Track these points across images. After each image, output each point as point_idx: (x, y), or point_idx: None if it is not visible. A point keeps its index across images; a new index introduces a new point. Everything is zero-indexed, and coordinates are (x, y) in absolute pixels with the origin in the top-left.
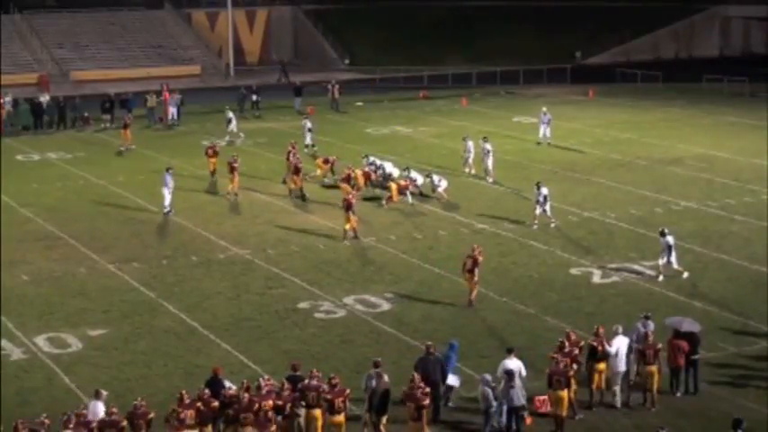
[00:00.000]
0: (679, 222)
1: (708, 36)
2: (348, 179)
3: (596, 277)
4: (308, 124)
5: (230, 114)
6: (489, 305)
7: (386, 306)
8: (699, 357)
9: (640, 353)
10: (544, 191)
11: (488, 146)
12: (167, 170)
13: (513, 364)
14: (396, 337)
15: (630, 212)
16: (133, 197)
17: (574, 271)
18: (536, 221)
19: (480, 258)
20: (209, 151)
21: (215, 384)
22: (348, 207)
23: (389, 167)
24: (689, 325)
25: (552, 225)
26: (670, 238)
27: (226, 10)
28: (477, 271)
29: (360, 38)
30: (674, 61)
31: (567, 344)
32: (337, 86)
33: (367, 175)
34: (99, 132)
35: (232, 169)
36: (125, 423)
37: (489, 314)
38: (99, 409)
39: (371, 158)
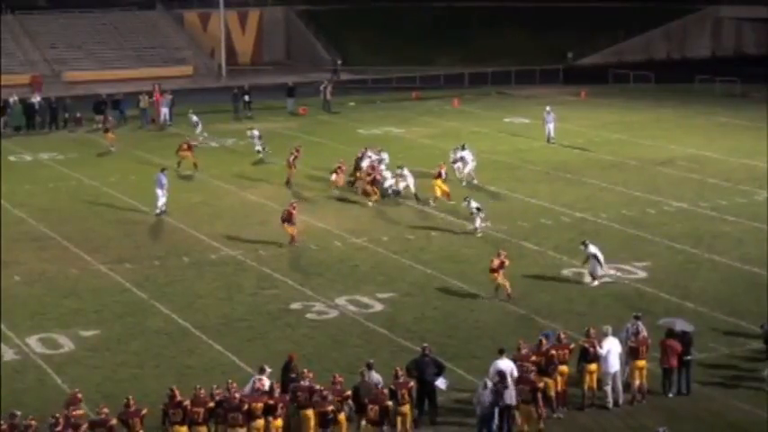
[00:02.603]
0: (671, 223)
1: (700, 37)
2: (374, 182)
3: (588, 278)
4: (256, 132)
5: (195, 118)
6: (481, 306)
7: (378, 307)
8: (691, 358)
9: (632, 349)
10: (473, 204)
11: (465, 153)
12: (162, 171)
13: (505, 364)
14: (388, 338)
15: (622, 213)
16: (125, 198)
17: (565, 272)
18: (479, 231)
19: (507, 262)
20: (184, 146)
21: (289, 369)
22: (288, 218)
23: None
24: (682, 324)
25: (478, 234)
26: (592, 248)
27: (218, 11)
28: (502, 272)
29: (352, 38)
30: (666, 62)
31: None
32: (329, 87)
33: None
34: (91, 133)
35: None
36: (114, 422)
37: (481, 315)
38: (265, 383)
39: (369, 152)
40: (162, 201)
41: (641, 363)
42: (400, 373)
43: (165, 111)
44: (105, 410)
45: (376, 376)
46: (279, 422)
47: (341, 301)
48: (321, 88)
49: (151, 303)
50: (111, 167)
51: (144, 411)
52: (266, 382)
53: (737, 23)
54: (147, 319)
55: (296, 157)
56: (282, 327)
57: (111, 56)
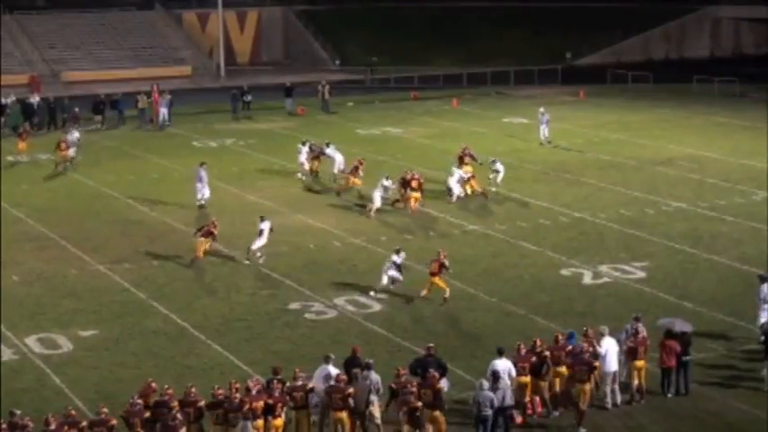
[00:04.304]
0: (669, 223)
1: (698, 37)
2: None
3: (587, 278)
4: (76, 135)
5: (77, 135)
6: (480, 306)
7: (376, 307)
8: (690, 358)
9: (631, 349)
10: (263, 225)
11: (329, 150)
12: (201, 164)
13: (503, 364)
14: (386, 338)
15: (621, 213)
16: (124, 198)
17: (564, 272)
18: (260, 256)
19: (447, 263)
20: (62, 144)
21: (354, 363)
22: (206, 234)
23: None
24: (681, 325)
25: (261, 260)
26: (398, 258)
27: (216, 10)
28: (443, 274)
29: (350, 38)
30: (665, 62)
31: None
32: (327, 87)
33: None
34: (89, 133)
35: (356, 169)
36: (114, 422)
37: (480, 315)
38: (333, 372)
39: (308, 144)
40: (201, 194)
41: (640, 363)
42: (402, 372)
43: (163, 111)
44: (105, 410)
45: (375, 376)
46: (279, 422)
47: (339, 301)
48: (319, 88)
49: (150, 303)
50: (109, 167)
51: (147, 414)
52: (333, 371)
53: (736, 23)
54: (145, 319)
55: (357, 169)
56: (281, 327)
57: (110, 56)
